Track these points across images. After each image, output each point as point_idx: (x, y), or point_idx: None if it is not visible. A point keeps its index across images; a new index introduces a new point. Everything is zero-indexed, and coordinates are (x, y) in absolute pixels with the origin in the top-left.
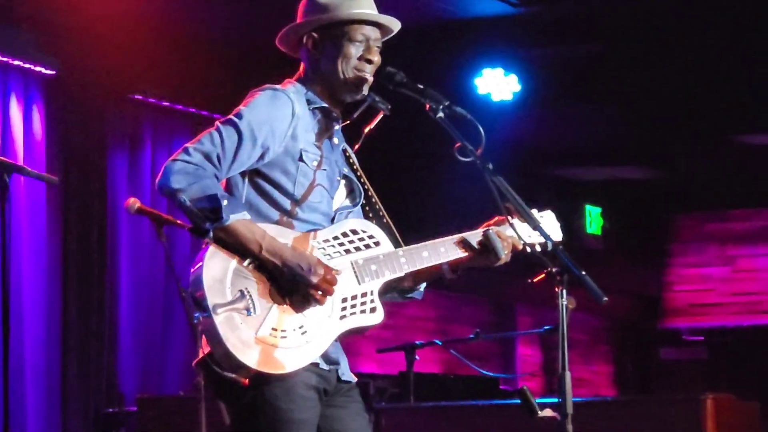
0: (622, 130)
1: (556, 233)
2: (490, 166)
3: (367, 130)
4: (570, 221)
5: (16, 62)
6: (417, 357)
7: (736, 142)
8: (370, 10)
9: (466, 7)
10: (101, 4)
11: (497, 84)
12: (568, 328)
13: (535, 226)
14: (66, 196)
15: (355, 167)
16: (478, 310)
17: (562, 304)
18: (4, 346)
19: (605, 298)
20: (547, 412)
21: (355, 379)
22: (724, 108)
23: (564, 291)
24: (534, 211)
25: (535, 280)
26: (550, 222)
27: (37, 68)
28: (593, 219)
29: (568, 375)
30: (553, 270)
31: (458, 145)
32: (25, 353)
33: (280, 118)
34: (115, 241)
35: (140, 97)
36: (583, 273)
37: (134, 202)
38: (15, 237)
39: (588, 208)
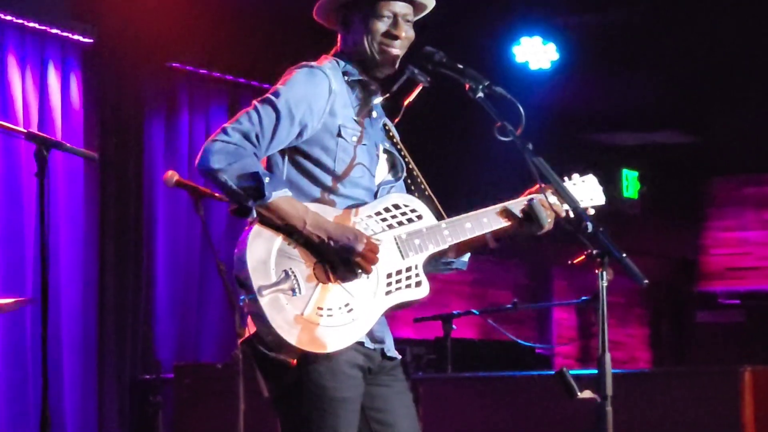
0: (659, 96)
1: (599, 197)
2: (530, 146)
3: (406, 102)
4: (607, 185)
5: (53, 31)
6: (454, 327)
7: None
8: None
9: None
10: None
11: (535, 52)
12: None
13: (575, 207)
14: (104, 165)
15: (395, 141)
16: (514, 274)
17: (602, 286)
18: (43, 315)
19: (645, 281)
20: (587, 394)
21: (399, 357)
22: (761, 72)
23: (604, 273)
24: (575, 175)
25: (575, 261)
26: (592, 186)
27: (75, 36)
28: (630, 183)
29: (608, 357)
30: (594, 252)
31: (498, 124)
32: (61, 321)
33: (318, 95)
34: (152, 210)
35: (177, 65)
36: (624, 255)
37: (172, 175)
38: (53, 205)
39: (625, 172)
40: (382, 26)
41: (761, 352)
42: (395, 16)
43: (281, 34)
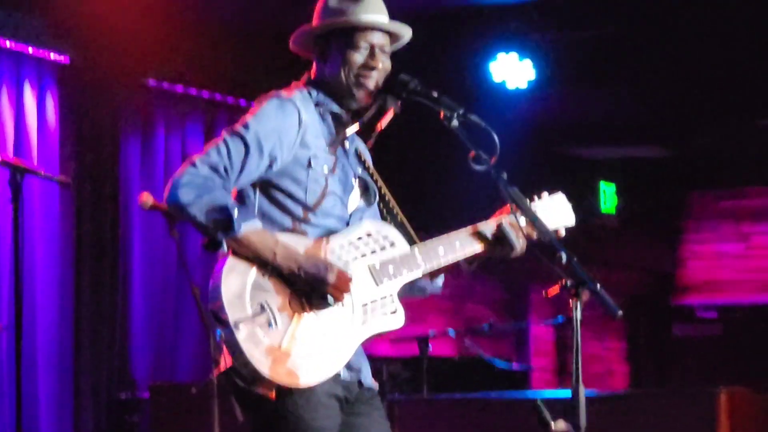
0: (637, 110)
1: (569, 217)
2: (505, 176)
3: (379, 127)
4: (584, 199)
5: (29, 50)
6: (430, 347)
7: (750, 120)
8: (379, 16)
9: None
10: None
11: (512, 69)
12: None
13: (549, 239)
14: (79, 184)
15: (368, 166)
16: (491, 289)
17: (577, 318)
18: (17, 334)
19: (620, 312)
20: (561, 425)
21: (376, 386)
22: (738, 87)
23: (579, 304)
24: (545, 194)
25: (549, 292)
26: (561, 205)
27: (51, 55)
28: (607, 196)
29: (582, 389)
30: (568, 283)
31: (473, 153)
32: (37, 341)
33: (287, 127)
34: (128, 230)
35: (154, 83)
36: (598, 286)
37: (148, 198)
38: (29, 227)
39: (602, 185)
40: (358, 57)
41: (739, 365)
42: (372, 47)
43: (257, 51)
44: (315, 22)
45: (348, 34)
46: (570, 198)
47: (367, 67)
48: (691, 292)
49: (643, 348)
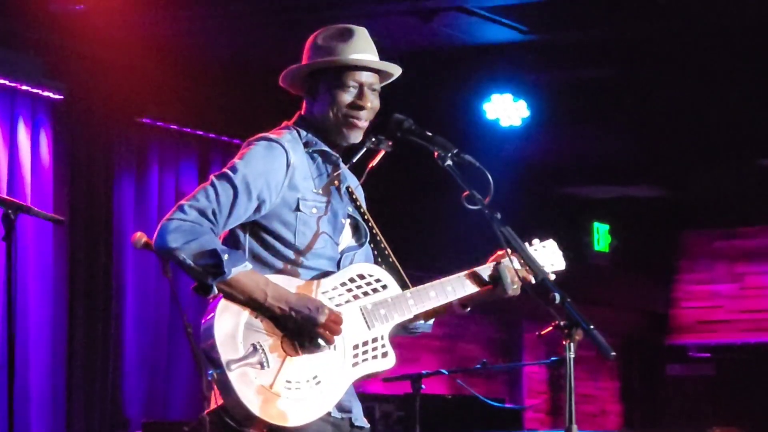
0: (631, 150)
1: (559, 262)
2: (498, 215)
3: (369, 167)
4: (578, 239)
5: (24, 87)
6: (423, 386)
7: (744, 161)
8: (368, 55)
9: (474, 33)
10: (108, 29)
11: (506, 109)
12: (575, 358)
13: (543, 278)
14: (73, 221)
15: (359, 205)
16: (485, 327)
17: (570, 358)
18: (9, 373)
19: (613, 353)
20: None
21: (368, 425)
22: (732, 128)
23: (572, 345)
24: (536, 241)
25: (543, 333)
26: (553, 251)
27: (45, 93)
28: (601, 236)
29: (575, 429)
30: (561, 323)
31: (466, 193)
32: (30, 379)
33: (275, 170)
34: (121, 267)
35: (148, 121)
36: (592, 327)
37: (140, 237)
38: (23, 265)
39: (596, 225)
40: (347, 97)
41: (731, 405)
42: (361, 86)
43: (251, 90)
44: (304, 60)
45: (337, 72)
46: (563, 238)
47: (356, 106)
48: (684, 332)
49: (637, 388)
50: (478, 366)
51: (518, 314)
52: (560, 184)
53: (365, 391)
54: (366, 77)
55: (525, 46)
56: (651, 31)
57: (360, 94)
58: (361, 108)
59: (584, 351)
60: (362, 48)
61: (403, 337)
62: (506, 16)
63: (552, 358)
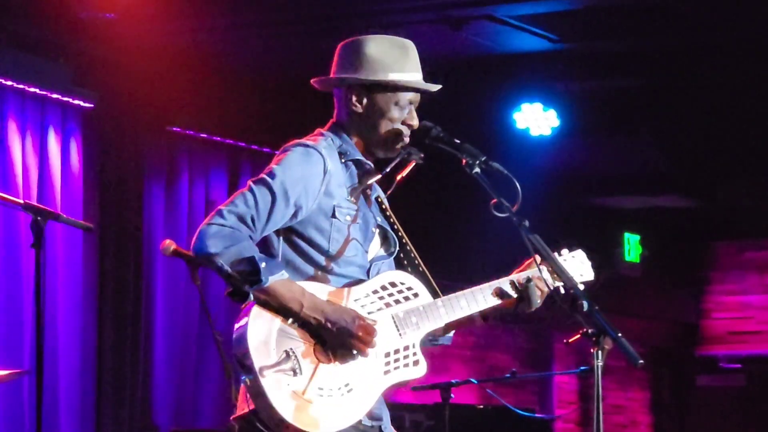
0: (660, 161)
1: (588, 272)
2: (527, 223)
3: (399, 177)
4: (609, 249)
5: (54, 95)
6: (452, 395)
7: None
8: (418, 73)
9: (504, 42)
10: (139, 37)
11: (536, 119)
12: (605, 367)
13: (572, 286)
14: (103, 229)
15: (389, 215)
16: (515, 337)
17: (598, 366)
18: (38, 380)
19: (641, 361)
20: None
21: None
22: (762, 139)
23: (600, 353)
24: (565, 251)
25: (570, 341)
26: (581, 261)
27: (75, 101)
28: (632, 247)
29: None
30: (589, 331)
31: (494, 201)
32: (59, 387)
33: (313, 176)
34: (150, 275)
35: (177, 129)
36: (619, 335)
37: (170, 245)
38: (52, 274)
39: (627, 236)
40: (399, 115)
41: (762, 416)
42: (410, 104)
43: (280, 99)
44: (340, 63)
45: (394, 89)
46: (593, 249)
47: (407, 125)
48: (714, 343)
49: (667, 399)
50: (508, 375)
51: (548, 324)
52: (590, 195)
53: (395, 401)
54: (416, 96)
55: (555, 55)
56: (680, 42)
57: (410, 113)
58: (411, 127)
59: (614, 361)
60: (417, 66)
61: (434, 347)
62: (536, 25)
63: (581, 368)
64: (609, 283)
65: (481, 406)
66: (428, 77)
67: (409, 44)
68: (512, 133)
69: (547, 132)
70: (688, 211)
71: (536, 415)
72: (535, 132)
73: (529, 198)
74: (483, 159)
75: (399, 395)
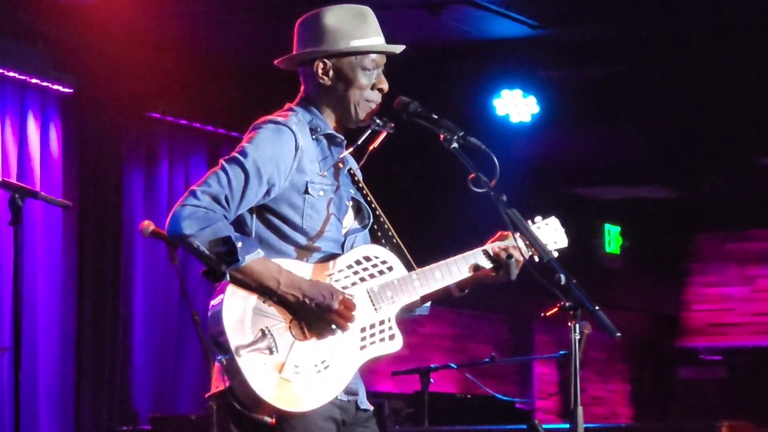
0: (641, 151)
1: (562, 239)
2: (504, 198)
3: (371, 148)
4: (589, 240)
5: (33, 80)
6: (432, 380)
7: (756, 163)
8: (380, 37)
9: (484, 28)
10: (118, 23)
11: (516, 105)
12: (584, 349)
13: (549, 259)
14: (82, 215)
15: (361, 186)
16: (495, 328)
17: (575, 339)
18: (16, 363)
19: (618, 334)
20: None
21: (372, 408)
22: (744, 129)
23: (577, 326)
24: (538, 218)
25: (548, 313)
26: (555, 228)
27: (55, 86)
28: (612, 238)
29: (580, 410)
30: (567, 304)
31: (472, 176)
32: (38, 370)
33: (285, 154)
34: (130, 260)
35: (157, 115)
36: (597, 308)
37: (148, 225)
38: (31, 254)
39: (607, 227)
40: (367, 81)
41: (743, 408)
42: (378, 67)
43: (260, 85)
44: (301, 39)
45: (357, 56)
46: (573, 239)
47: (377, 89)
48: (695, 335)
49: (647, 391)
50: (487, 360)
51: (529, 315)
52: (570, 184)
53: (375, 390)
54: (381, 59)
55: (535, 41)
56: (663, 29)
57: (378, 77)
58: (381, 90)
59: (595, 353)
60: (378, 30)
61: (414, 336)
62: (515, 11)
63: (561, 352)
64: (589, 274)
65: (461, 395)
66: (390, 42)
67: (367, 10)
68: (492, 119)
69: (527, 119)
70: (668, 202)
71: (515, 399)
72: (515, 119)
73: (508, 186)
74: (461, 134)
75: (379, 383)
